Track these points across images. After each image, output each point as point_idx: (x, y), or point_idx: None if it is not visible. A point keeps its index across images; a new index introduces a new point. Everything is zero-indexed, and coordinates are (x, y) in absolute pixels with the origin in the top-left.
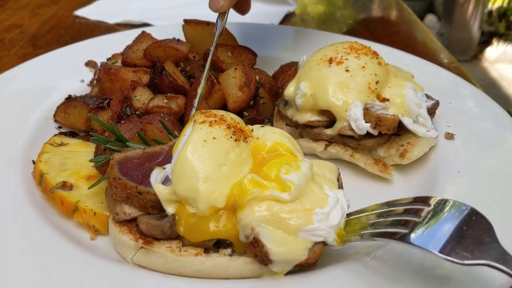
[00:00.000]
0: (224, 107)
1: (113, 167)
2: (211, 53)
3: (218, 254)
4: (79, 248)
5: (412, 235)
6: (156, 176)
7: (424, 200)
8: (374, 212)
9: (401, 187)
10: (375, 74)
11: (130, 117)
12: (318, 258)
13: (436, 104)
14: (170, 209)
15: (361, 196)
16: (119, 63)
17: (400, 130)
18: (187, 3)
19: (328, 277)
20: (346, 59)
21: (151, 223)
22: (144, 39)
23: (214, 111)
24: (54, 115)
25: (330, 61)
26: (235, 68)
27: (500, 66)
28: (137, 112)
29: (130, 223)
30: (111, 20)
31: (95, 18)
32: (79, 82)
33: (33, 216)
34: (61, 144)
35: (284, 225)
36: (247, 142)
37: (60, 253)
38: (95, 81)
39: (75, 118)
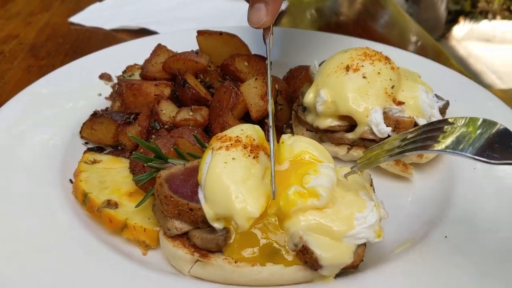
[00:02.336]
0: (245, 115)
1: (162, 186)
2: (269, 77)
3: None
4: (137, 264)
5: (441, 144)
6: (202, 195)
7: (448, 121)
8: (396, 139)
9: (421, 185)
10: (390, 79)
11: (159, 131)
12: (362, 259)
13: (447, 104)
14: (217, 225)
15: (384, 195)
16: (135, 76)
17: None
18: (178, 4)
19: (374, 278)
20: (362, 66)
21: (206, 237)
22: (161, 52)
23: (229, 133)
24: (80, 132)
25: (347, 68)
26: (256, 79)
27: (468, 44)
28: (166, 126)
29: (181, 237)
30: (107, 26)
31: (91, 24)
32: (96, 96)
33: (87, 236)
34: (94, 162)
35: (329, 231)
36: (266, 156)
37: (121, 270)
38: (115, 95)
39: (102, 134)
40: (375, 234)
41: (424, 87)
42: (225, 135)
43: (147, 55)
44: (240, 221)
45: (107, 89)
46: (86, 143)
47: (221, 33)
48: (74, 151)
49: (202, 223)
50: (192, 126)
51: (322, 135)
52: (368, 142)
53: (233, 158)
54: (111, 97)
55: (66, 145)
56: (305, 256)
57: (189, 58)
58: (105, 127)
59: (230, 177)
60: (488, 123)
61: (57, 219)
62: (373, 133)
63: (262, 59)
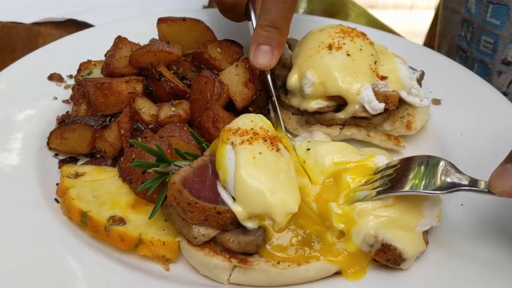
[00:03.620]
0: (228, 105)
1: (182, 192)
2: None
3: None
4: (175, 283)
5: (397, 186)
6: (227, 195)
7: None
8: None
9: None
10: (371, 55)
11: (144, 132)
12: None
13: (422, 74)
14: (251, 225)
15: None
16: (95, 74)
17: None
18: None
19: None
20: (344, 43)
21: (243, 240)
22: (123, 45)
23: (240, 125)
24: (48, 143)
25: (330, 47)
26: (236, 65)
27: (376, 13)
28: (150, 126)
29: (209, 244)
30: (27, 19)
31: (7, 19)
32: (52, 100)
33: (104, 261)
34: (77, 175)
35: (402, 224)
36: (286, 149)
37: None
38: (77, 97)
39: (75, 142)
40: (437, 218)
41: (400, 60)
42: (239, 128)
43: (94, 50)
44: (278, 217)
45: (60, 91)
46: (56, 154)
47: (184, 19)
48: (45, 165)
49: (230, 225)
50: (180, 123)
51: (309, 117)
52: (359, 120)
53: (259, 153)
54: (73, 100)
55: (35, 160)
56: (387, 254)
57: (161, 49)
58: (79, 135)
59: (262, 173)
60: (430, 159)
61: (61, 248)
62: (364, 110)
63: (233, 43)
